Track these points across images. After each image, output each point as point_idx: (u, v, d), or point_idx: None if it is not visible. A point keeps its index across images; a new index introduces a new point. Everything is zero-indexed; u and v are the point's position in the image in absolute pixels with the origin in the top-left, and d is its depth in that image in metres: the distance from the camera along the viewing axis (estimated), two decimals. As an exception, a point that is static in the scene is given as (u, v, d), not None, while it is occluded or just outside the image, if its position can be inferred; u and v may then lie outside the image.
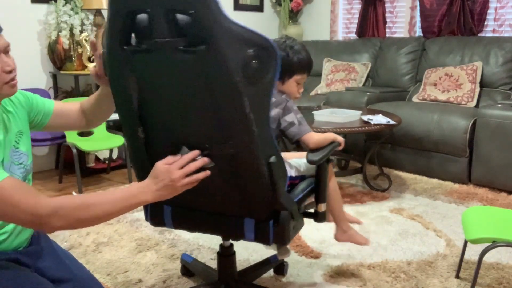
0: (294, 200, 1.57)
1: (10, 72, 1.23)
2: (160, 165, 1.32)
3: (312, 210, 1.74)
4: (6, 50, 1.23)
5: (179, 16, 1.22)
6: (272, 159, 1.39)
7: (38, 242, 1.46)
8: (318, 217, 1.71)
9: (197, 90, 1.29)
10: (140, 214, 2.85)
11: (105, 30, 1.36)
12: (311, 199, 1.73)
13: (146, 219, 1.70)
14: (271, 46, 1.25)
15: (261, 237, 1.52)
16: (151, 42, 1.27)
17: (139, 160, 1.55)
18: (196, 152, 1.35)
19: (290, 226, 1.51)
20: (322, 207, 1.70)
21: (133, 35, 1.33)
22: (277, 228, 1.50)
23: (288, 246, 1.74)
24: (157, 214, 1.66)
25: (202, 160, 1.34)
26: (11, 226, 1.34)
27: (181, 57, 1.25)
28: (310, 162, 1.60)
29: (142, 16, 1.27)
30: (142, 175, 1.60)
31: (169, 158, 1.34)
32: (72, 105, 1.59)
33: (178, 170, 1.30)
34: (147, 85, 1.37)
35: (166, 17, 1.22)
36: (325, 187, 1.70)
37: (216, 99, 1.27)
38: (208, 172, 1.35)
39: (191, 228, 1.66)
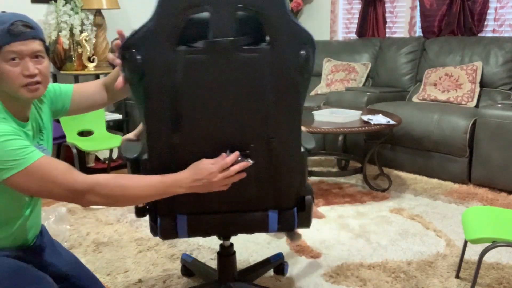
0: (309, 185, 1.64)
1: (28, 76, 1.25)
2: (205, 163, 1.35)
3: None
4: (34, 56, 1.27)
5: (241, 14, 1.23)
6: (303, 149, 1.46)
7: (41, 240, 1.48)
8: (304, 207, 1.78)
9: (253, 89, 1.31)
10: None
11: (139, 30, 1.27)
12: None
13: (154, 234, 1.56)
14: (315, 43, 1.32)
15: (285, 225, 1.57)
16: (211, 42, 1.24)
17: (165, 168, 1.42)
18: (237, 153, 1.37)
19: (311, 210, 1.60)
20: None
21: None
22: (302, 213, 1.58)
23: (298, 230, 1.82)
24: (169, 226, 1.54)
25: (243, 164, 1.37)
26: (16, 224, 1.35)
27: (242, 56, 1.26)
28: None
29: (200, 15, 1.26)
30: None
31: (214, 159, 1.37)
32: (91, 83, 1.60)
33: (219, 173, 1.34)
34: (198, 87, 1.32)
35: (230, 15, 1.21)
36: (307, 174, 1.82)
37: (272, 97, 1.31)
38: (244, 174, 1.39)
39: (207, 233, 1.60)
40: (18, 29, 1.23)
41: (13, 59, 1.23)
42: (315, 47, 1.33)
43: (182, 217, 1.53)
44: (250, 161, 1.38)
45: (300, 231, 2.57)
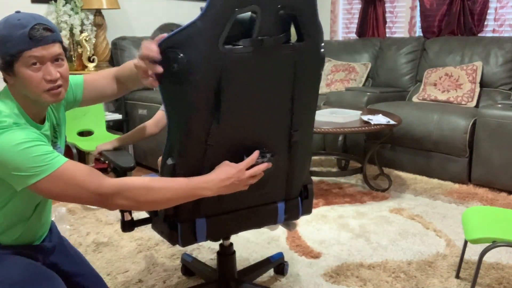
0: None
1: (50, 81, 1.25)
2: (230, 163, 1.36)
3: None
4: (55, 59, 1.26)
5: (282, 12, 1.28)
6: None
7: (50, 238, 1.50)
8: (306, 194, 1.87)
9: (285, 85, 1.38)
10: (140, 214, 2.85)
11: (185, 29, 1.23)
12: None
13: (174, 243, 1.50)
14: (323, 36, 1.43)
15: (291, 215, 1.65)
16: (255, 40, 1.26)
17: (194, 170, 1.39)
18: (257, 151, 1.39)
19: (313, 195, 1.70)
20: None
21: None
22: (305, 201, 1.67)
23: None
24: (188, 233, 1.49)
25: (268, 164, 1.40)
26: (28, 223, 1.37)
27: (281, 53, 1.32)
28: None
29: (245, 14, 1.28)
30: None
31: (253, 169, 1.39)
32: (102, 74, 1.60)
33: (246, 170, 1.36)
34: (240, 86, 1.31)
35: (275, 13, 1.26)
36: None
37: (300, 92, 1.39)
38: (262, 173, 1.40)
39: (226, 232, 1.61)
40: (40, 34, 1.21)
41: (34, 64, 1.22)
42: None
43: (201, 221, 1.49)
44: (270, 164, 1.41)
45: (300, 230, 2.58)
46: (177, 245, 2.37)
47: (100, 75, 1.59)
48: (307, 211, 1.70)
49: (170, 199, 1.28)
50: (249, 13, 1.31)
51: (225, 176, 1.34)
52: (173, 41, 1.24)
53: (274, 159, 1.42)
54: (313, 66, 1.40)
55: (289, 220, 1.68)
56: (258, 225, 1.64)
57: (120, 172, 1.54)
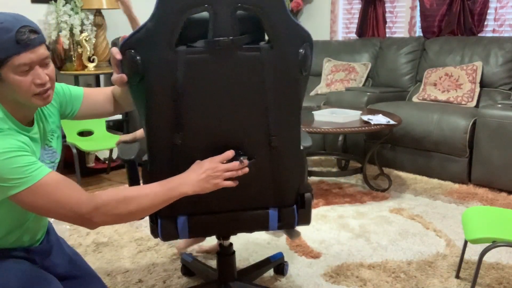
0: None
1: (40, 85, 1.22)
2: (205, 160, 1.35)
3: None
4: (43, 63, 1.23)
5: (242, 14, 1.23)
6: (302, 146, 1.47)
7: (47, 240, 1.48)
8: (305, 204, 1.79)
9: (254, 88, 1.31)
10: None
11: (138, 31, 1.27)
12: None
13: (155, 236, 1.56)
14: (312, 40, 1.33)
15: (285, 223, 1.58)
16: (212, 41, 1.24)
17: (166, 169, 1.43)
18: (232, 151, 1.37)
19: (311, 206, 1.61)
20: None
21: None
22: (302, 210, 1.59)
23: (297, 228, 1.83)
24: (169, 227, 1.54)
25: (241, 164, 1.38)
26: (23, 228, 1.35)
27: (243, 55, 1.25)
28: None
29: (199, 15, 1.25)
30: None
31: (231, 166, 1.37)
32: (101, 90, 1.59)
33: (222, 164, 1.34)
34: (196, 87, 1.31)
35: (229, 14, 1.20)
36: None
37: (273, 95, 1.31)
38: (246, 170, 1.39)
39: (209, 232, 1.61)
40: (27, 37, 1.17)
41: (24, 69, 1.19)
42: (312, 43, 1.34)
43: (182, 218, 1.53)
44: (246, 161, 1.39)
45: (300, 230, 2.57)
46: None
47: (99, 91, 1.58)
48: (305, 221, 1.62)
49: (151, 205, 1.27)
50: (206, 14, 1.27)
51: (200, 169, 1.33)
52: (130, 43, 1.27)
53: (250, 162, 1.40)
54: (287, 69, 1.30)
55: (283, 228, 1.62)
56: (248, 229, 1.62)
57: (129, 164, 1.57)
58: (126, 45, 1.28)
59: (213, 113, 1.36)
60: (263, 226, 1.58)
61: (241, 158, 1.38)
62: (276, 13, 1.20)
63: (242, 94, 1.33)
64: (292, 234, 1.89)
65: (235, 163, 1.36)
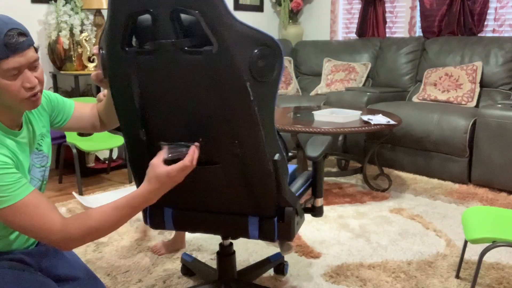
0: (296, 195, 1.58)
1: (30, 89, 1.21)
2: (161, 170, 1.26)
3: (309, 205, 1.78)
4: (32, 66, 1.21)
5: (184, 16, 1.21)
6: (277, 156, 1.40)
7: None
8: (315, 211, 1.74)
9: (204, 91, 1.28)
10: (140, 214, 2.85)
11: (104, 30, 1.34)
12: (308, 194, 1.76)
13: (145, 222, 1.68)
14: (276, 44, 1.25)
15: (265, 235, 1.53)
16: (155, 43, 1.25)
17: (139, 163, 1.53)
18: (194, 149, 1.31)
19: (295, 222, 1.52)
20: (319, 202, 1.74)
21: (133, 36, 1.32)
22: (282, 224, 1.51)
23: (290, 242, 1.76)
24: (157, 216, 1.65)
25: (194, 153, 1.29)
26: (16, 233, 1.35)
27: (187, 58, 1.24)
28: (309, 158, 1.63)
29: (145, 17, 1.26)
30: (141, 178, 1.58)
31: (160, 157, 1.29)
32: (89, 107, 1.58)
33: (182, 174, 1.28)
34: (151, 87, 1.35)
35: (170, 17, 1.21)
36: (322, 181, 1.75)
37: (224, 100, 1.27)
38: (196, 154, 1.31)
39: (193, 229, 1.65)
40: (15, 40, 1.15)
41: (13, 73, 1.18)
42: (276, 48, 1.26)
43: (168, 210, 1.62)
44: (196, 147, 1.31)
45: (297, 237, 2.57)
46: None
47: (88, 105, 1.57)
48: (285, 236, 1.52)
49: (118, 225, 1.27)
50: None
51: (163, 185, 1.28)
52: (101, 41, 1.35)
53: (194, 145, 1.31)
54: (234, 73, 1.22)
55: (264, 240, 1.55)
56: (227, 233, 1.60)
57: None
58: (99, 43, 1.37)
59: (171, 113, 1.38)
60: (243, 233, 1.55)
61: (185, 149, 1.30)
62: (216, 16, 1.16)
63: (194, 96, 1.31)
64: (282, 247, 1.79)
65: (185, 164, 1.28)
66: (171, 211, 1.62)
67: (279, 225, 1.51)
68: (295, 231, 1.54)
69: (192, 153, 1.29)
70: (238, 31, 1.19)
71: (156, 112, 1.40)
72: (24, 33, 1.19)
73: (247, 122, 1.29)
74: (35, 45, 1.26)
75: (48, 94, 1.47)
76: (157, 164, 1.27)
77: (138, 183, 1.61)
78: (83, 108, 1.56)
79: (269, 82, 1.29)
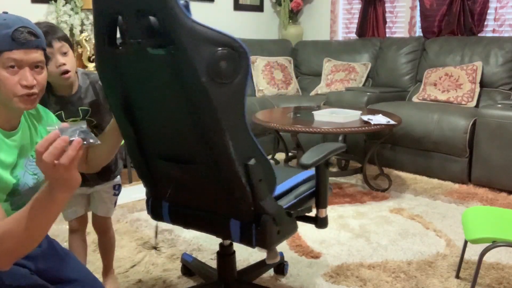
0: (277, 203, 1.49)
1: (26, 87, 1.20)
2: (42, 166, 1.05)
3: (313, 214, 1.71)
4: (34, 66, 1.21)
5: (148, 18, 1.23)
6: (251, 161, 1.35)
7: (40, 243, 1.46)
8: (318, 222, 1.67)
9: (172, 91, 1.30)
10: (140, 214, 2.85)
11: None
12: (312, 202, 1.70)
13: (148, 212, 1.73)
14: (240, 46, 1.23)
15: (245, 239, 1.50)
16: (126, 43, 1.30)
17: (135, 159, 1.58)
18: (65, 138, 1.00)
19: (272, 230, 1.46)
20: (323, 212, 1.67)
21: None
22: (259, 231, 1.46)
23: (277, 251, 1.70)
24: (156, 208, 1.69)
25: (74, 147, 1.00)
26: None
27: (153, 57, 1.26)
28: (302, 166, 1.53)
29: (120, 18, 1.31)
30: (139, 173, 1.64)
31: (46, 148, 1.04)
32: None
33: (55, 168, 1.01)
34: (130, 85, 1.40)
35: (135, 19, 1.24)
36: (326, 191, 1.67)
37: (189, 101, 1.27)
38: (77, 148, 1.01)
39: (186, 225, 1.67)
40: (23, 37, 1.17)
41: (12, 66, 1.17)
42: (239, 50, 1.24)
43: (165, 204, 1.66)
44: (79, 141, 1.01)
45: (297, 237, 2.57)
46: (177, 245, 2.37)
47: None
48: (261, 243, 1.47)
49: (25, 220, 1.06)
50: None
51: (48, 183, 1.07)
52: None
53: (92, 141, 1.06)
54: (192, 74, 1.21)
55: (246, 244, 1.51)
56: (214, 233, 1.59)
57: None
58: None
59: (150, 110, 1.41)
60: (227, 234, 1.53)
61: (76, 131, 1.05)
62: (172, 18, 1.16)
63: (164, 95, 1.33)
64: (268, 254, 1.73)
65: (64, 159, 0.99)
66: (167, 205, 1.66)
67: (257, 231, 1.46)
68: (272, 241, 1.48)
69: (55, 154, 0.99)
70: (195, 32, 1.19)
71: (138, 109, 1.44)
72: (35, 34, 1.20)
73: (211, 124, 1.28)
74: (48, 52, 1.26)
75: (53, 118, 1.46)
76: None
77: (143, 181, 1.66)
78: None
79: (232, 85, 1.26)
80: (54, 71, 1.59)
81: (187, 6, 1.23)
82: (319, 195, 1.66)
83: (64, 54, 1.61)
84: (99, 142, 1.06)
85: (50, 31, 1.58)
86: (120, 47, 1.33)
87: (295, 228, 1.60)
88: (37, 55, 1.21)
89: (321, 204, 1.66)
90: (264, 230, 1.45)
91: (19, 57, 1.18)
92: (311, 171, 1.73)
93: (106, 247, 2.01)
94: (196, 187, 1.49)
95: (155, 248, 1.91)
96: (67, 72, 1.59)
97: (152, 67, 1.29)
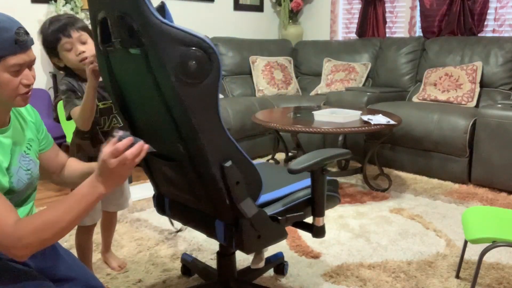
0: (257, 207, 1.43)
1: (27, 85, 1.24)
2: (101, 158, 1.23)
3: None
4: (31, 65, 1.25)
5: (126, 19, 1.25)
6: (228, 163, 1.34)
7: None
8: (314, 232, 1.60)
9: (151, 91, 1.32)
10: (140, 214, 2.85)
11: None
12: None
13: (154, 205, 1.78)
14: (209, 46, 1.23)
15: (228, 241, 1.48)
16: (111, 42, 1.35)
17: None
18: (130, 138, 1.23)
19: (250, 235, 1.43)
20: (320, 221, 1.60)
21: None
22: (237, 235, 1.44)
23: (263, 255, 1.68)
24: (160, 203, 1.74)
25: (139, 145, 1.23)
26: None
27: (134, 57, 1.30)
28: (289, 171, 1.47)
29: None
30: (144, 169, 1.68)
31: (108, 147, 1.24)
32: (60, 157, 1.55)
33: (113, 159, 1.20)
34: (122, 82, 1.46)
35: (116, 19, 1.28)
36: (323, 199, 1.59)
37: (163, 100, 1.30)
38: (142, 155, 1.25)
39: (183, 221, 1.70)
40: (23, 38, 1.19)
41: (17, 70, 1.20)
42: (208, 50, 1.23)
43: (166, 199, 1.71)
44: (143, 144, 1.25)
45: (297, 237, 2.57)
46: (177, 245, 2.37)
47: (58, 158, 1.54)
48: (240, 248, 1.44)
49: (71, 220, 1.19)
50: None
51: (98, 171, 1.23)
52: None
53: (150, 148, 1.28)
54: (163, 74, 1.23)
55: (228, 246, 1.48)
56: (204, 231, 1.58)
57: None
58: None
59: (137, 107, 1.47)
60: (213, 234, 1.52)
61: (122, 136, 1.25)
62: (142, 18, 1.19)
63: (145, 92, 1.37)
64: (253, 258, 1.71)
65: (127, 155, 1.22)
66: (168, 200, 1.70)
67: (235, 234, 1.44)
68: (251, 245, 1.45)
69: (117, 150, 1.21)
70: (164, 33, 1.20)
71: (131, 106, 1.50)
72: (28, 32, 1.23)
73: (185, 124, 1.29)
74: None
75: (38, 116, 1.47)
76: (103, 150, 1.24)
77: (150, 178, 1.70)
78: (55, 156, 1.53)
79: (202, 85, 1.25)
80: (74, 58, 1.76)
81: (162, 7, 1.25)
82: (314, 203, 1.58)
83: (83, 43, 1.76)
84: (155, 150, 1.30)
85: (68, 22, 1.75)
86: (110, 47, 1.38)
87: (282, 234, 1.54)
88: (33, 53, 1.24)
89: (317, 212, 1.58)
90: (241, 234, 1.42)
91: (22, 60, 1.20)
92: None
93: (112, 223, 2.20)
94: (183, 185, 1.51)
95: (179, 231, 1.98)
96: (85, 58, 1.73)
97: (134, 66, 1.33)
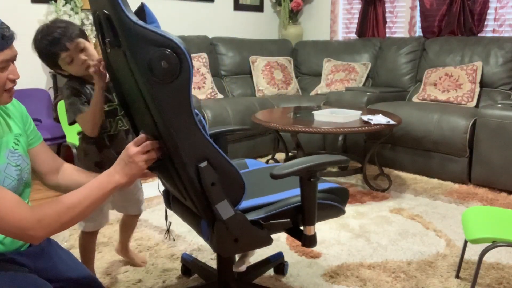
0: (233, 210, 1.40)
1: (13, 81, 1.25)
2: (127, 147, 1.36)
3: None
4: (14, 59, 1.25)
5: (110, 19, 1.29)
6: (203, 164, 1.33)
7: (39, 242, 1.45)
8: (304, 241, 1.52)
9: (135, 90, 1.36)
10: (143, 215, 2.85)
11: None
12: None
13: (164, 200, 1.82)
14: (178, 47, 1.25)
15: (210, 241, 1.47)
16: (103, 41, 1.38)
17: None
18: (157, 142, 1.39)
19: (225, 238, 1.42)
20: (311, 230, 1.51)
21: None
22: (213, 237, 1.43)
23: (246, 259, 1.68)
24: (166, 196, 1.79)
25: (160, 142, 1.36)
26: None
27: (119, 56, 1.33)
28: (270, 175, 1.41)
29: None
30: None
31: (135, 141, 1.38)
32: (54, 160, 1.54)
33: (134, 147, 1.34)
34: (119, 80, 1.51)
35: (104, 19, 1.31)
36: (313, 207, 1.50)
37: (143, 98, 1.33)
38: (154, 154, 1.38)
39: (179, 215, 1.71)
40: (9, 33, 1.18)
41: (4, 67, 1.20)
42: (178, 51, 1.25)
43: (171, 195, 1.74)
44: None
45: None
46: (177, 245, 2.37)
47: (51, 152, 1.54)
48: (217, 250, 1.46)
49: (90, 205, 1.26)
50: None
51: (119, 159, 1.35)
52: None
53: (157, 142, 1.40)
54: (139, 72, 1.25)
55: (209, 245, 1.48)
56: (196, 230, 1.58)
57: None
58: None
59: (130, 104, 1.52)
60: (201, 232, 1.52)
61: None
62: (117, 19, 1.22)
63: (131, 90, 1.41)
64: (237, 261, 1.69)
65: (147, 145, 1.37)
66: (171, 196, 1.73)
67: (213, 236, 1.44)
68: (227, 248, 1.44)
69: (147, 146, 1.36)
70: (136, 33, 1.23)
71: (129, 105, 1.55)
72: (9, 27, 1.22)
73: (160, 123, 1.31)
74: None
75: (24, 110, 1.47)
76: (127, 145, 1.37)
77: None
78: (47, 154, 1.52)
79: (172, 85, 1.27)
80: (78, 69, 1.71)
81: (142, 8, 1.29)
82: (304, 211, 1.49)
83: (82, 50, 1.69)
84: None
85: (61, 35, 1.65)
86: (106, 45, 1.41)
87: (265, 240, 1.49)
88: (15, 48, 1.24)
89: (307, 221, 1.50)
90: (215, 237, 1.42)
91: (9, 55, 1.20)
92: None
93: (132, 226, 2.21)
94: (171, 182, 1.54)
95: (168, 229, 1.98)
96: (89, 65, 1.69)
97: (122, 65, 1.36)
